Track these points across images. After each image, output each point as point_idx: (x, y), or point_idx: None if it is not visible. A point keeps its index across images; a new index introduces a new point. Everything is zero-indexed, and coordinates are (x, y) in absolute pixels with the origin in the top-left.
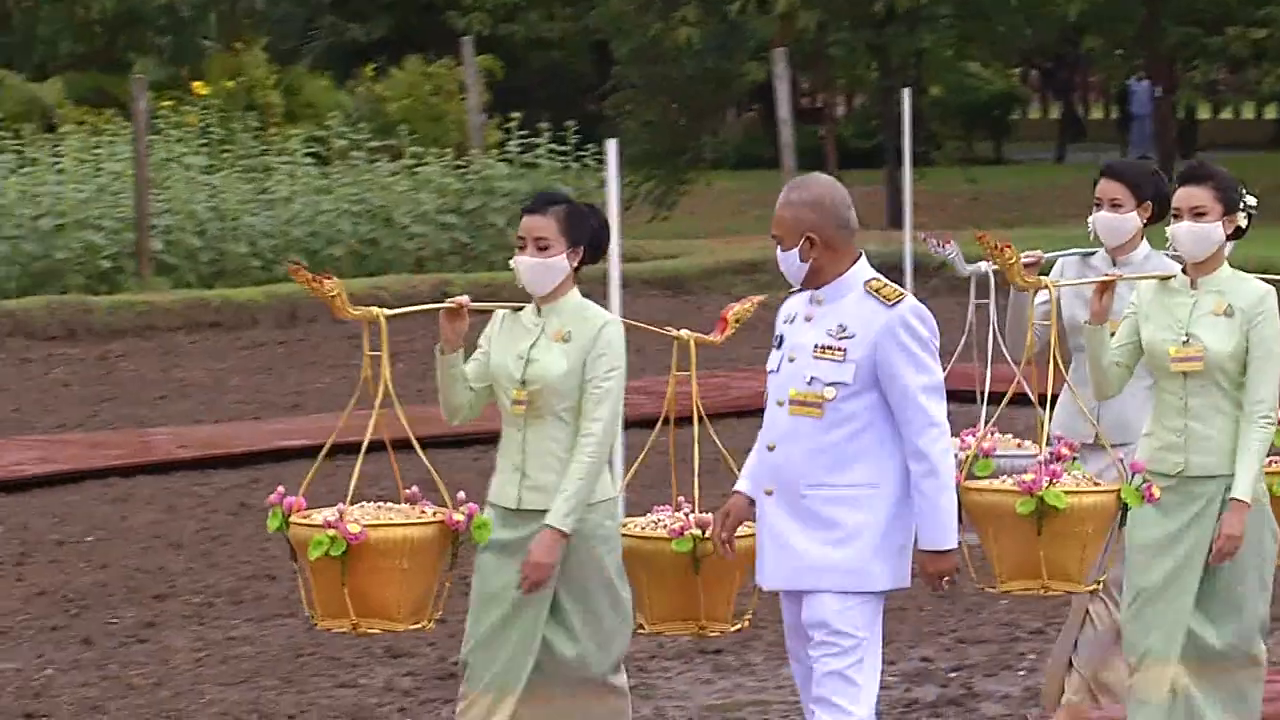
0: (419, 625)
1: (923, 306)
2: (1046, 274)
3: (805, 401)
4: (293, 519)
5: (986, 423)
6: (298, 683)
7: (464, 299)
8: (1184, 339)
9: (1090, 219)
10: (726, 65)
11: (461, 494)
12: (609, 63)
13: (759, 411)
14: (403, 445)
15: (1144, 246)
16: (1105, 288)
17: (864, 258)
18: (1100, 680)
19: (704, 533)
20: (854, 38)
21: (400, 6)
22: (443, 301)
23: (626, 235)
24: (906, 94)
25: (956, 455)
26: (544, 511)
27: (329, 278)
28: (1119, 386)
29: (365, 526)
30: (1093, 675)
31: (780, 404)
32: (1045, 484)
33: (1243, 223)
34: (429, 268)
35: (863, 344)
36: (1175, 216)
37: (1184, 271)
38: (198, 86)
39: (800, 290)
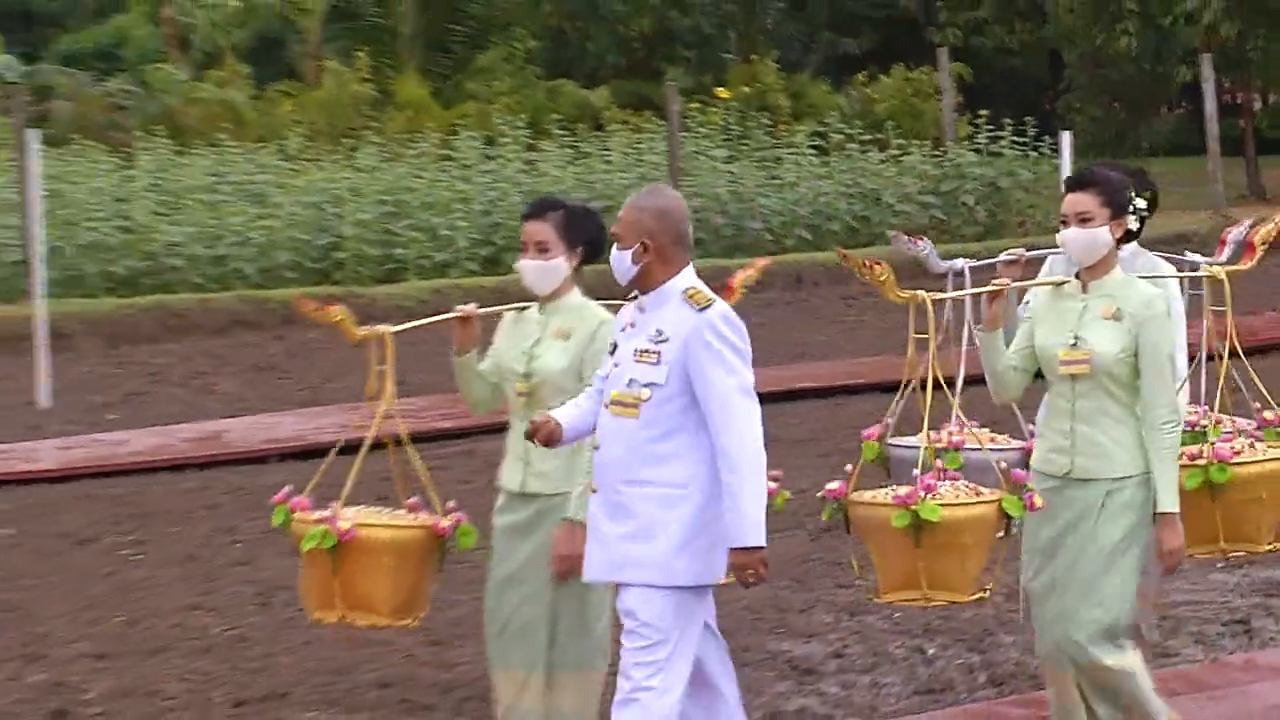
0: (404, 622)
1: (732, 312)
2: (1036, 273)
3: (624, 402)
4: (295, 516)
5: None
6: (807, 583)
7: (471, 308)
8: (1072, 342)
9: (1060, 235)
10: (1160, 68)
11: (452, 503)
12: (1061, 67)
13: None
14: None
15: (1133, 244)
16: (995, 296)
17: (690, 269)
18: None
19: (928, 497)
20: (1270, 44)
21: (887, 23)
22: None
23: None
24: None
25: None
26: (547, 495)
27: (333, 305)
28: (1017, 390)
29: (355, 525)
30: None
31: (605, 405)
32: (921, 498)
33: (1133, 225)
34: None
35: (675, 347)
36: (1063, 223)
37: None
38: (720, 92)
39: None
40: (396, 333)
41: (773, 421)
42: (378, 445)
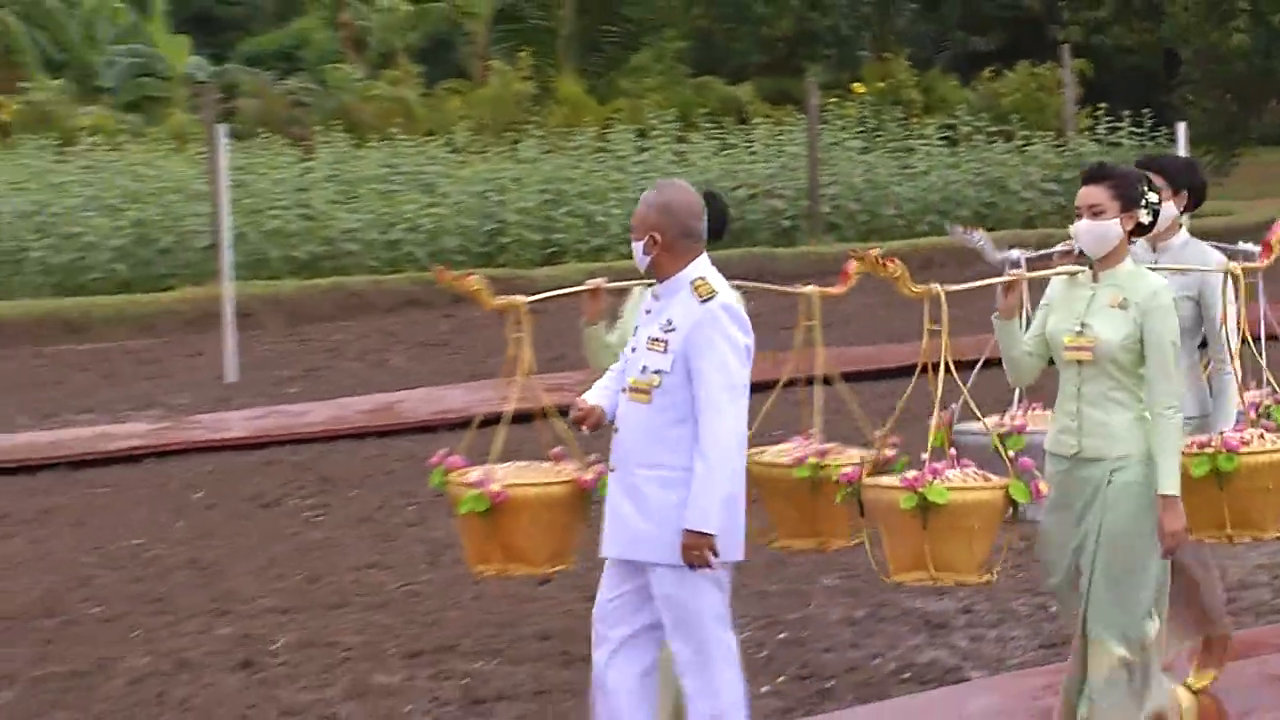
0: (558, 568)
1: (736, 305)
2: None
3: (638, 388)
4: (450, 477)
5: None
6: None
7: (600, 282)
8: (1078, 329)
9: (1073, 228)
10: (1270, 64)
11: (593, 456)
12: (1176, 64)
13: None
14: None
15: (1183, 234)
16: (1010, 287)
17: (703, 259)
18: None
19: (934, 480)
20: None
21: (1013, 23)
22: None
23: None
24: None
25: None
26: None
27: (470, 275)
28: (1031, 375)
29: (505, 486)
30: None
31: (623, 390)
32: (928, 481)
33: (1145, 219)
34: (1036, 224)
35: (680, 337)
36: (1077, 214)
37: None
38: (856, 87)
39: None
40: (531, 303)
41: (897, 396)
42: (524, 415)
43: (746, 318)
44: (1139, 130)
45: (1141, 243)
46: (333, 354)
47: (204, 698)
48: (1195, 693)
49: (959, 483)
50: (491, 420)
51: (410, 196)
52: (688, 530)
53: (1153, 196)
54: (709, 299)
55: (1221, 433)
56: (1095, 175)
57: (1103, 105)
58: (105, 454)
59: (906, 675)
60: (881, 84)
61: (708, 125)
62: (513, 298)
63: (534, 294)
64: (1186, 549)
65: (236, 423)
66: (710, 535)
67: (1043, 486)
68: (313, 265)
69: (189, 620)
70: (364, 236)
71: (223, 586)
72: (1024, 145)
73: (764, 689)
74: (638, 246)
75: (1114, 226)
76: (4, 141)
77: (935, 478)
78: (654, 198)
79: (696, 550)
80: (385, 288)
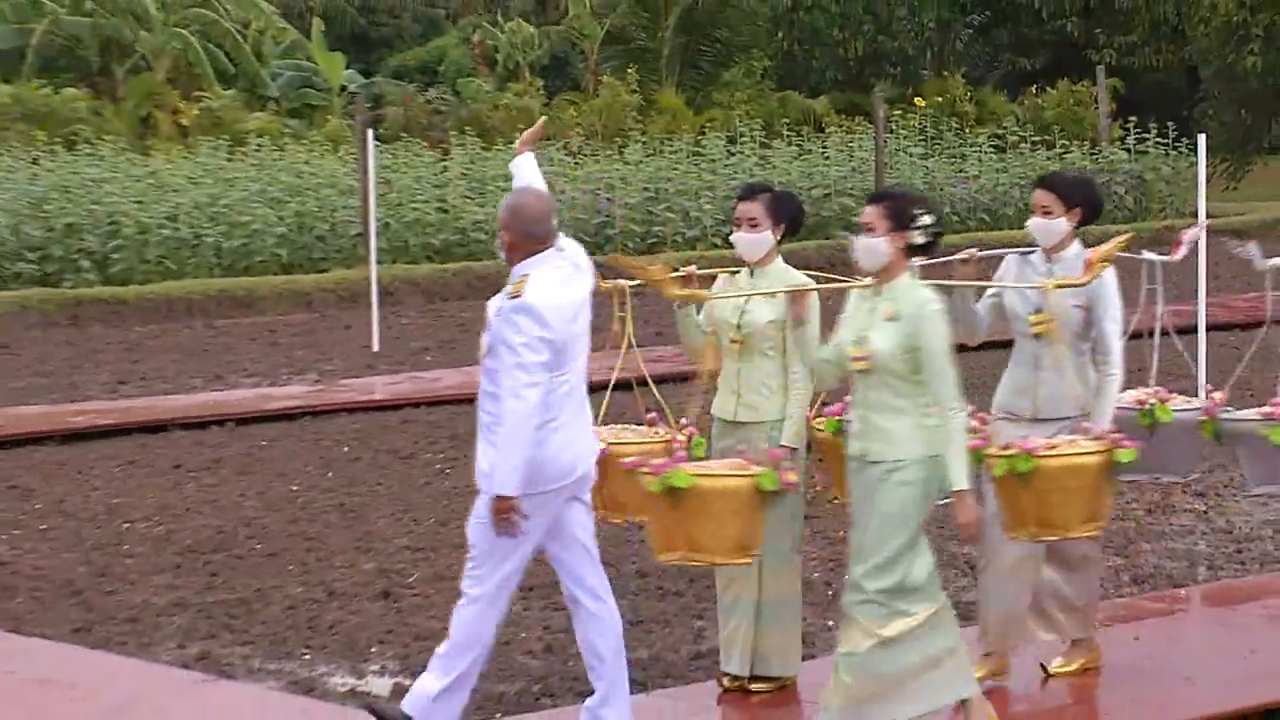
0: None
1: (528, 304)
2: (994, 273)
3: (480, 356)
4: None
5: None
6: None
7: (691, 269)
8: (858, 339)
9: (1028, 223)
10: None
11: (685, 419)
12: (1197, 82)
13: None
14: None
15: (1075, 245)
16: (798, 296)
17: (537, 258)
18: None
19: (681, 468)
20: None
21: (1055, 46)
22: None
23: (1212, 199)
24: None
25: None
26: (754, 423)
27: (655, 265)
28: (832, 380)
29: (607, 444)
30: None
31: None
32: (674, 469)
33: (917, 240)
34: None
35: (493, 323)
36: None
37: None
38: (917, 101)
39: None
40: (633, 287)
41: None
42: (625, 384)
43: (544, 314)
44: (1164, 140)
45: (1038, 254)
46: (462, 328)
47: (349, 623)
48: (1051, 675)
49: (706, 470)
50: (599, 387)
51: None
52: (494, 495)
53: (926, 220)
54: (515, 296)
55: (1026, 436)
56: (874, 196)
57: (1132, 118)
58: (267, 412)
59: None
60: (940, 98)
61: (788, 133)
62: (618, 281)
63: (636, 279)
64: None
65: (379, 386)
66: (509, 499)
67: (791, 476)
68: (446, 251)
69: (337, 556)
70: (490, 227)
71: (366, 528)
72: (1063, 153)
73: (829, 623)
74: (498, 244)
75: (882, 244)
76: (184, 142)
77: (681, 465)
78: (506, 202)
79: (502, 514)
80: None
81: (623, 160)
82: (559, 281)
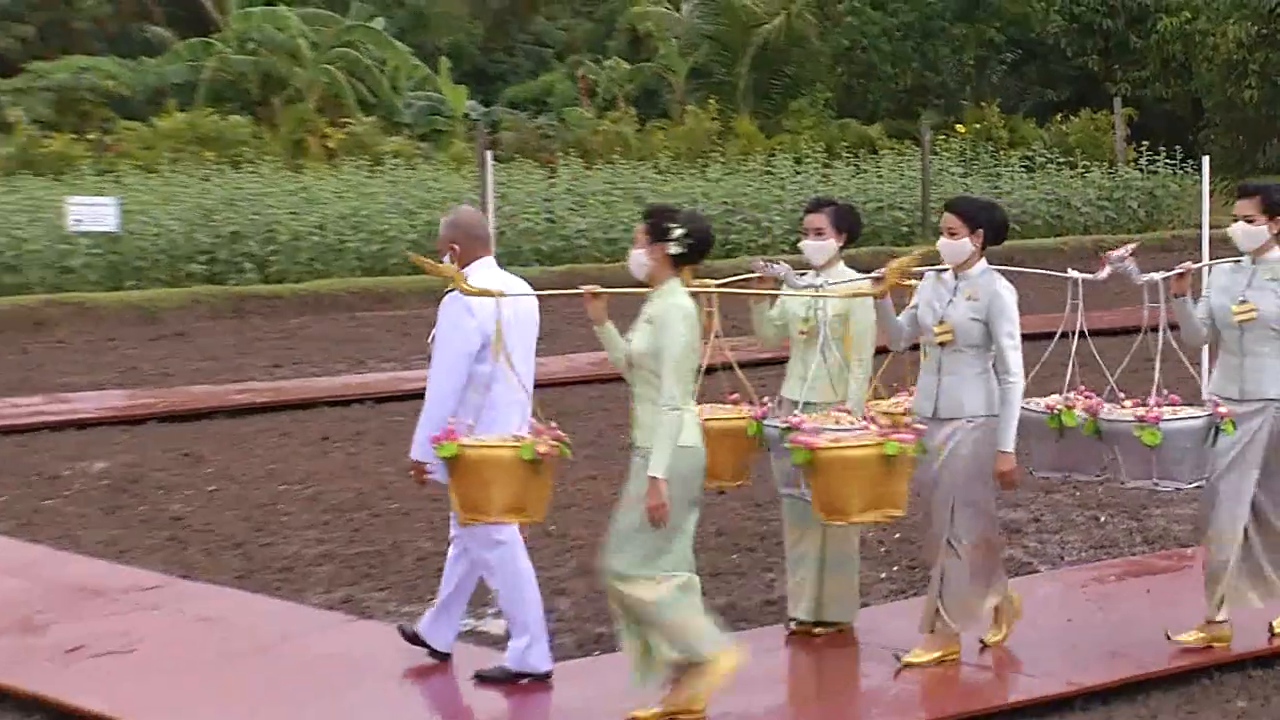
0: (739, 482)
1: (460, 296)
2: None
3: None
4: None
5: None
6: None
7: (780, 268)
8: (629, 339)
9: (938, 243)
10: (1274, 112)
11: (767, 398)
12: (1201, 111)
13: None
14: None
15: (981, 263)
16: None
17: (480, 261)
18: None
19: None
20: None
21: (1078, 79)
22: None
23: (1214, 213)
24: None
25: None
26: (822, 404)
27: (443, 263)
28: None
29: (707, 419)
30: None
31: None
32: (443, 441)
33: (672, 250)
34: (1090, 231)
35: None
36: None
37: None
38: (958, 128)
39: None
40: (720, 289)
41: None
42: (711, 367)
43: (471, 306)
44: (1172, 161)
45: (949, 272)
46: (565, 321)
47: None
48: (987, 646)
49: (480, 440)
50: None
51: (625, 206)
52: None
53: (679, 232)
54: (450, 291)
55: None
56: (643, 214)
57: (1145, 142)
58: (401, 392)
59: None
60: (978, 125)
61: (847, 155)
62: (707, 282)
63: (719, 280)
64: (928, 536)
65: None
66: (420, 463)
67: (542, 448)
68: (553, 256)
69: None
70: (591, 235)
71: None
72: (1084, 172)
73: (882, 575)
74: (445, 258)
75: (640, 255)
76: (331, 162)
77: (456, 438)
78: (447, 220)
79: (413, 472)
80: (607, 272)
81: (704, 178)
82: (499, 282)
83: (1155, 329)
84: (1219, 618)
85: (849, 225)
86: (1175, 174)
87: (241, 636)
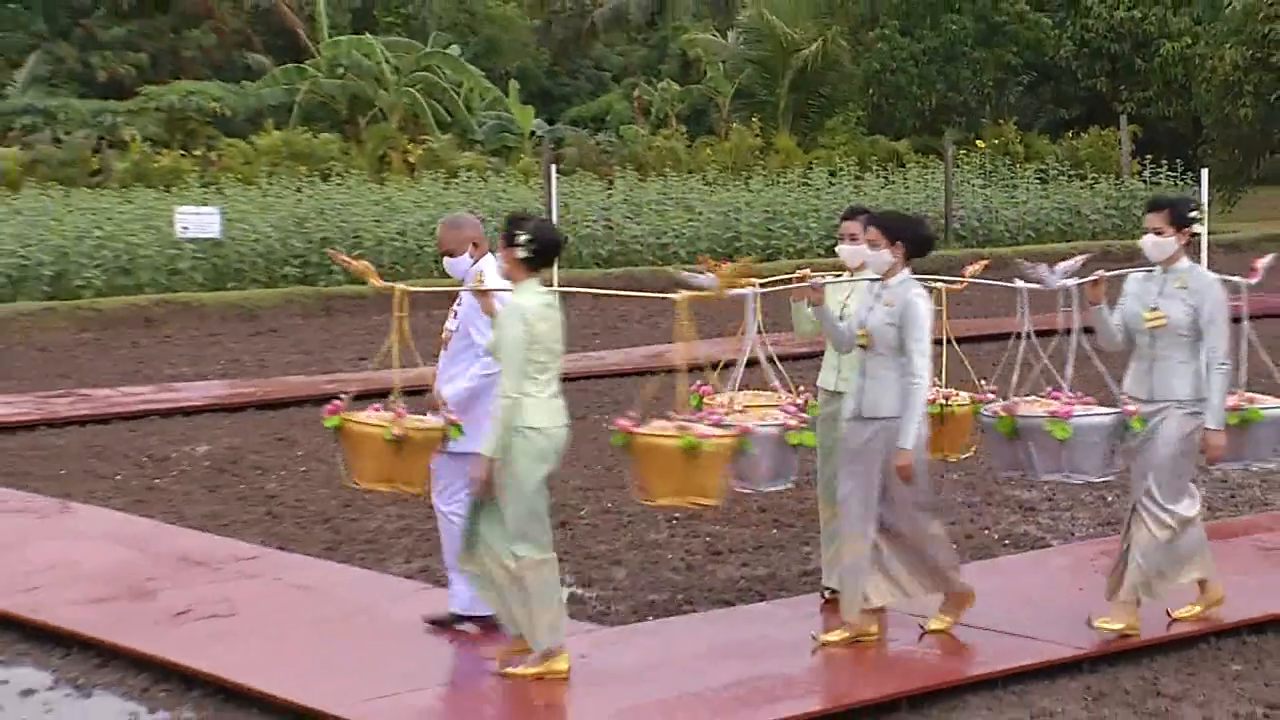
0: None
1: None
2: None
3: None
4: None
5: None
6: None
7: (806, 272)
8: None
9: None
10: (1268, 129)
11: (803, 386)
12: (1200, 128)
13: None
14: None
15: (904, 273)
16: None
17: (485, 258)
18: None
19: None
20: None
21: (1088, 99)
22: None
23: (1212, 220)
24: None
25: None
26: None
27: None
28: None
29: (746, 406)
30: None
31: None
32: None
33: (520, 254)
34: (1099, 238)
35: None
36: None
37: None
38: (978, 144)
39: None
40: (763, 288)
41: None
42: (753, 360)
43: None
44: (1173, 173)
45: (878, 283)
46: (622, 318)
47: None
48: (930, 633)
49: (356, 418)
50: (730, 364)
51: (676, 214)
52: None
53: (524, 238)
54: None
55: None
56: (505, 221)
57: (1149, 157)
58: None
59: (1006, 542)
60: (996, 141)
61: (877, 168)
62: (394, 284)
63: (761, 280)
64: (901, 517)
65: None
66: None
67: (397, 430)
68: (610, 259)
69: None
70: (645, 240)
71: None
72: (1093, 184)
73: None
74: (463, 258)
75: (495, 259)
76: (411, 176)
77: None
78: (454, 223)
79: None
80: (658, 274)
81: (747, 189)
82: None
83: (1069, 332)
84: (1208, 582)
85: (898, 234)
86: (1177, 185)
87: (330, 602)
